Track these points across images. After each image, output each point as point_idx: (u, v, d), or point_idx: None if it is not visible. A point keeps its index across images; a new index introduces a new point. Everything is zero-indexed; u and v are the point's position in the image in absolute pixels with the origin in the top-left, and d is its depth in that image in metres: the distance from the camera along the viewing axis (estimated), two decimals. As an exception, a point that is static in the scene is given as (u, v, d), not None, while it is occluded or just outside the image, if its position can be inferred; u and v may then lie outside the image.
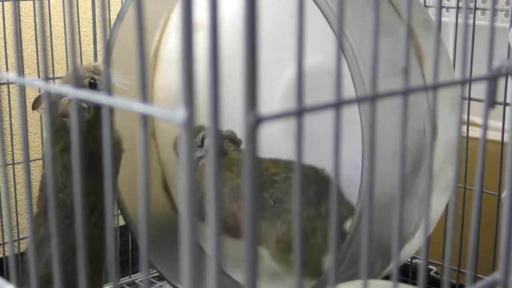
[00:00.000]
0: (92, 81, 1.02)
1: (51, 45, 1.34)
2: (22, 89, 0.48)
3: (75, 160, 0.40)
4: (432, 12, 1.17)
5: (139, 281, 1.44)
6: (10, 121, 1.27)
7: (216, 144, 0.31)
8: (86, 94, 0.39)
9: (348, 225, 0.98)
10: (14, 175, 1.23)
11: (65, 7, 1.27)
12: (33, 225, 0.93)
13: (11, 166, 1.24)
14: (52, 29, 1.32)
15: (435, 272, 1.29)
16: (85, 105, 1.00)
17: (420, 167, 0.95)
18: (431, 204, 0.95)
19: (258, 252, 0.31)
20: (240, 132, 1.12)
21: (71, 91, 0.39)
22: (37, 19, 1.29)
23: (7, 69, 1.29)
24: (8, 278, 0.52)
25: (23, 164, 0.45)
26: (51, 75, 1.27)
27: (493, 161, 0.97)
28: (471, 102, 1.12)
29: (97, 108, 1.01)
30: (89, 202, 1.00)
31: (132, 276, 1.44)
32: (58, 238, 0.41)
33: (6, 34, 1.25)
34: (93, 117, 1.01)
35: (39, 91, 1.29)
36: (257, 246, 0.32)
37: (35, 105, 1.07)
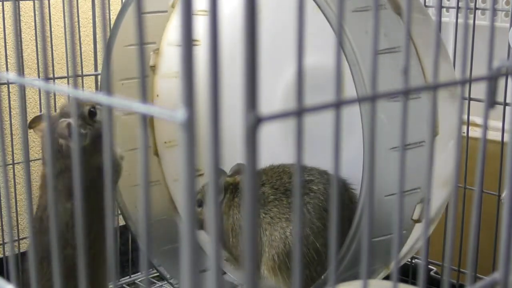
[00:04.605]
0: (92, 109, 1.03)
1: (51, 45, 1.34)
2: (22, 89, 0.48)
3: (76, 180, 0.40)
4: (432, 12, 1.17)
5: (139, 281, 1.44)
6: (10, 121, 1.27)
7: (216, 141, 0.31)
8: (86, 95, 0.39)
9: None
10: (14, 175, 1.23)
11: (65, 7, 1.27)
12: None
13: (11, 166, 1.24)
14: (52, 29, 1.32)
15: (435, 272, 1.29)
16: (83, 131, 1.01)
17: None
18: (431, 200, 0.94)
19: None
20: (239, 132, 1.11)
21: (70, 91, 0.39)
22: (37, 19, 1.29)
23: (7, 69, 1.29)
24: (8, 278, 0.52)
25: (23, 164, 0.45)
26: (51, 75, 1.27)
27: (493, 161, 0.97)
28: (471, 102, 1.12)
29: (93, 136, 1.02)
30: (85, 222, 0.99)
31: (132, 276, 1.44)
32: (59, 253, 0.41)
33: (6, 34, 1.25)
34: (90, 145, 1.00)
35: (39, 92, 1.29)
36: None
37: (32, 124, 1.06)
